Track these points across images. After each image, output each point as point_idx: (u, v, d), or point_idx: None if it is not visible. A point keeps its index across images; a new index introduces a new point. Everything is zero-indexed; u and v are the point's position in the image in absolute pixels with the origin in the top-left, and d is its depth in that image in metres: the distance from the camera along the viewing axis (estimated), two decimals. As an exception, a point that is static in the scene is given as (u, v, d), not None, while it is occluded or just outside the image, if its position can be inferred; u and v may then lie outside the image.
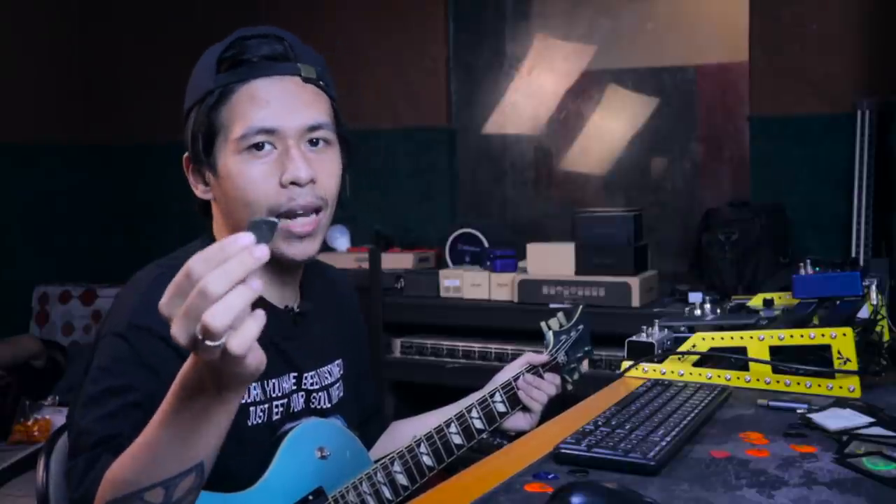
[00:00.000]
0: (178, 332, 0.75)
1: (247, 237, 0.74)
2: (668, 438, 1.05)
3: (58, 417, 3.41)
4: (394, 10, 4.02)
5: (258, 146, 1.13)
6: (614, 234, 2.96)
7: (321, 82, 1.19)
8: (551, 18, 3.93)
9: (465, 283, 3.24)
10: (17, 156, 4.40)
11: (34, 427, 3.43)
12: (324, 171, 1.17)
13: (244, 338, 0.75)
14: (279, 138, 1.14)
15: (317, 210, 1.16)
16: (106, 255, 4.79)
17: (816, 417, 1.17)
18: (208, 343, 0.74)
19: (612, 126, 3.84)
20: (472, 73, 4.03)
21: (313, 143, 1.17)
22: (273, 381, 1.21)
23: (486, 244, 3.41)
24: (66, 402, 3.52)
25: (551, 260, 3.06)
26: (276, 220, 0.81)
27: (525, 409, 1.47)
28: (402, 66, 4.00)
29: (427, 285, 3.30)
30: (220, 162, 1.16)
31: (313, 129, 1.16)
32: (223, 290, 0.73)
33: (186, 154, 1.21)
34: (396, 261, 3.48)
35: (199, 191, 1.21)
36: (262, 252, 0.74)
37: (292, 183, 1.13)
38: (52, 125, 4.64)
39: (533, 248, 3.12)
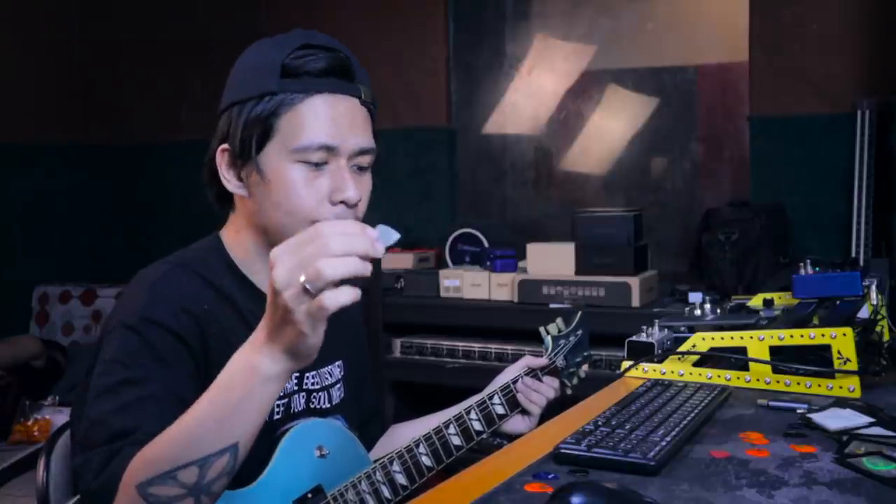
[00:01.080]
0: (281, 272, 0.85)
1: (375, 231, 0.86)
2: (668, 438, 1.05)
3: (58, 417, 3.42)
4: (394, 10, 4.02)
5: (313, 159, 1.15)
6: (614, 234, 2.96)
7: (374, 105, 1.24)
8: (551, 18, 3.93)
9: (465, 283, 3.24)
10: (17, 156, 4.40)
11: (34, 427, 3.43)
12: (364, 193, 1.22)
13: (339, 297, 0.84)
14: (333, 155, 1.16)
15: None
16: (106, 255, 4.79)
17: (816, 417, 1.17)
18: (308, 286, 0.83)
19: (612, 126, 3.84)
20: (472, 73, 4.03)
21: (360, 165, 1.20)
22: None
23: (486, 244, 3.41)
24: (67, 402, 3.52)
25: (551, 260, 3.06)
26: (397, 231, 0.90)
27: (524, 412, 1.47)
28: (402, 66, 4.00)
29: (427, 285, 3.30)
30: (269, 164, 1.16)
31: (363, 152, 1.20)
32: (341, 252, 0.83)
33: (224, 146, 1.19)
34: (396, 261, 3.48)
35: (232, 185, 1.21)
36: (381, 249, 0.85)
37: (342, 202, 1.16)
38: (52, 125, 4.64)
39: (533, 248, 3.12)
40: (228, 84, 1.21)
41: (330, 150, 1.16)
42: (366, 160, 1.21)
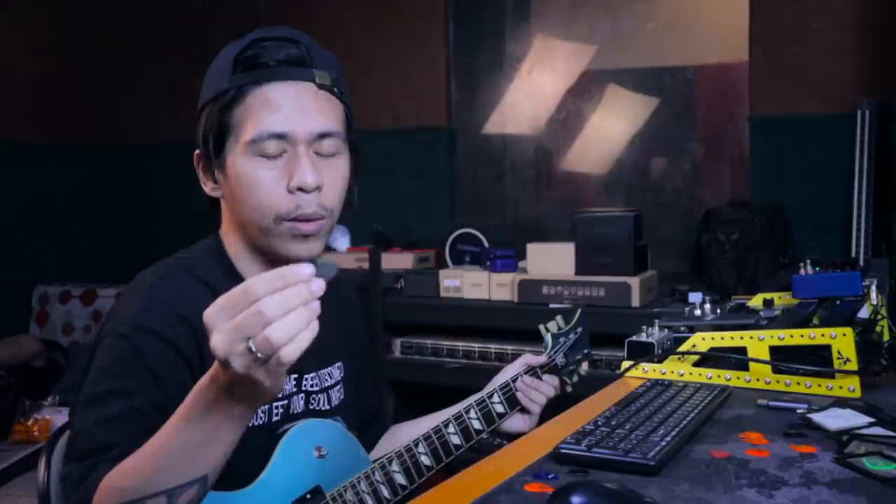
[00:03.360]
0: (220, 343, 0.80)
1: (308, 267, 0.79)
2: (668, 438, 1.05)
3: (58, 417, 3.41)
4: (394, 10, 4.02)
5: (268, 150, 1.13)
6: (614, 234, 2.96)
7: (335, 89, 1.19)
8: (551, 18, 3.93)
9: (465, 283, 3.23)
10: (17, 155, 4.40)
11: (34, 427, 3.43)
12: (330, 178, 1.17)
13: (299, 346, 0.80)
14: (289, 143, 1.14)
15: (320, 219, 1.17)
16: (106, 255, 4.79)
17: (816, 417, 1.17)
18: (260, 355, 0.78)
19: (612, 126, 3.84)
20: (472, 73, 4.03)
21: (323, 149, 1.17)
22: None
23: (486, 244, 3.41)
24: (66, 402, 3.52)
25: (551, 260, 3.06)
26: (335, 265, 0.86)
27: (523, 410, 1.47)
28: (402, 66, 4.00)
29: (427, 285, 3.30)
30: (229, 162, 1.16)
31: (323, 136, 1.16)
32: (280, 314, 0.78)
33: (197, 151, 1.21)
34: (396, 261, 3.48)
35: (209, 188, 1.22)
36: (319, 286, 0.80)
37: (299, 189, 1.14)
38: (52, 125, 4.64)
39: (533, 248, 3.12)
40: (201, 91, 1.22)
41: (282, 137, 1.14)
42: (329, 144, 1.17)
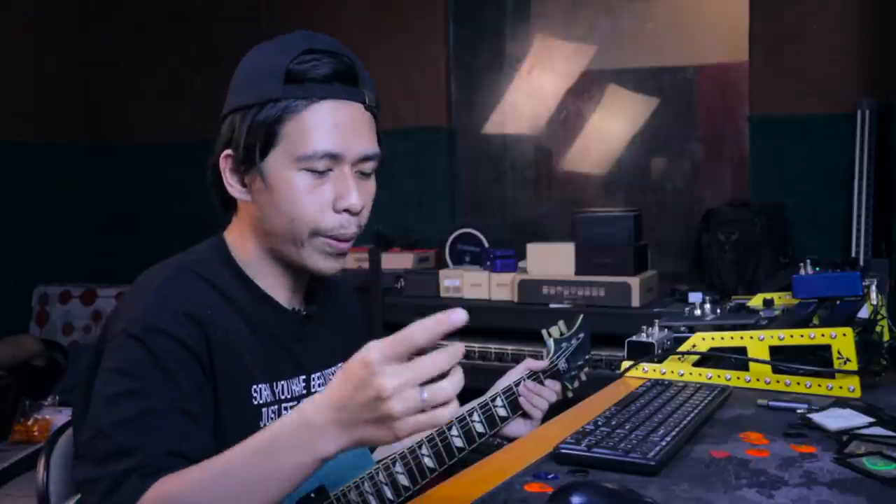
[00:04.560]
0: (393, 381, 0.85)
1: (463, 314, 0.90)
2: (668, 438, 1.05)
3: (58, 417, 3.41)
4: (394, 10, 4.02)
5: (317, 167, 1.14)
6: (614, 234, 2.96)
7: (377, 109, 1.22)
8: (551, 18, 3.93)
9: (465, 283, 3.24)
10: (17, 155, 4.41)
11: (34, 427, 3.43)
12: (367, 199, 1.21)
13: (452, 412, 0.86)
14: (337, 162, 1.16)
15: (353, 238, 1.21)
16: (106, 255, 4.80)
17: (816, 417, 1.17)
18: (426, 402, 0.85)
19: (612, 126, 3.84)
20: (472, 73, 4.03)
21: (364, 171, 1.19)
22: (282, 383, 1.21)
23: (486, 244, 3.41)
24: (66, 402, 3.52)
25: (551, 260, 3.06)
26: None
27: (525, 415, 1.47)
28: (402, 66, 4.00)
29: (427, 285, 3.30)
30: (273, 171, 1.15)
31: (367, 158, 1.19)
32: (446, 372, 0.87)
33: (228, 151, 1.19)
34: (396, 261, 3.48)
35: (236, 190, 1.20)
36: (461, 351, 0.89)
37: (345, 210, 1.16)
38: (52, 124, 4.64)
39: (533, 248, 3.12)
40: (231, 88, 1.20)
41: (334, 157, 1.15)
42: (370, 166, 1.20)
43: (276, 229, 1.17)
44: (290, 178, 1.15)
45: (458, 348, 0.88)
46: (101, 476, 1.01)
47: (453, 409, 0.86)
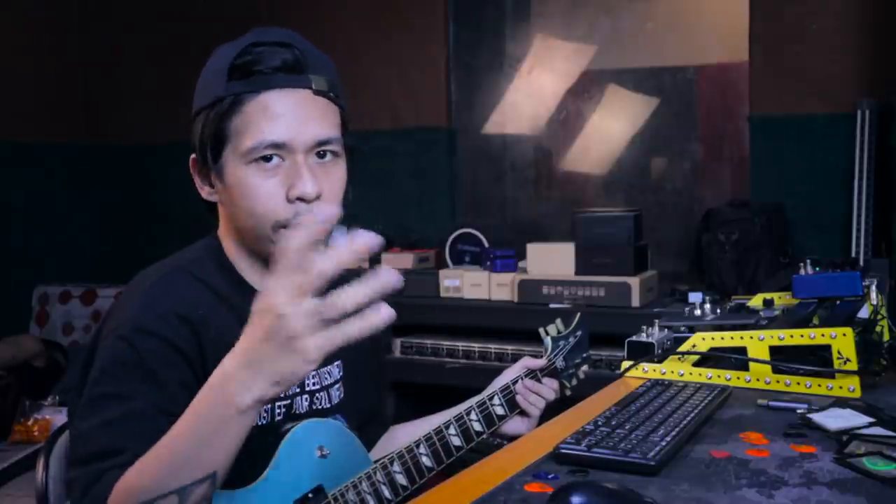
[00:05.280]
0: (283, 293, 0.80)
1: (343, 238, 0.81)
2: (668, 438, 1.05)
3: (58, 417, 3.41)
4: (394, 10, 4.02)
5: (267, 159, 1.13)
6: (614, 234, 2.96)
7: (331, 93, 1.19)
8: (551, 18, 3.93)
9: (465, 283, 3.24)
10: (17, 155, 4.40)
11: (34, 427, 3.43)
12: (329, 185, 1.17)
13: (362, 327, 0.80)
14: (288, 152, 1.14)
15: None
16: (106, 255, 4.79)
17: (816, 417, 1.17)
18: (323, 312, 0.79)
19: (612, 126, 3.84)
20: (472, 73, 4.03)
21: (321, 155, 1.17)
22: None
23: (486, 244, 3.41)
24: (66, 402, 3.52)
25: (551, 260, 3.06)
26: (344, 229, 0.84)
27: (523, 413, 1.47)
28: (402, 66, 4.00)
29: (427, 285, 3.30)
30: (227, 170, 1.16)
31: (322, 143, 1.16)
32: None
33: (193, 156, 1.21)
34: (396, 261, 3.48)
35: (205, 193, 1.22)
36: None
37: (299, 198, 1.14)
38: (52, 124, 4.64)
39: (533, 248, 3.12)
40: (195, 94, 1.21)
41: (281, 147, 1.13)
42: (328, 149, 1.17)
43: (245, 227, 1.18)
44: (243, 174, 1.14)
45: (384, 273, 0.81)
46: (80, 475, 1.03)
47: (384, 316, 0.79)
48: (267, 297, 0.82)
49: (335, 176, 1.19)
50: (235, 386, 0.87)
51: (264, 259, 1.21)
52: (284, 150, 1.14)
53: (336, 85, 1.20)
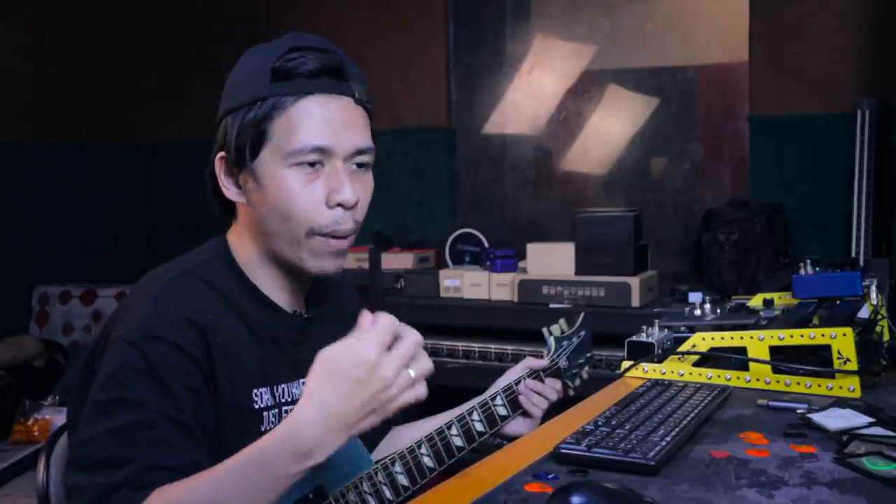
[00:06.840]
0: (391, 368, 0.95)
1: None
2: (668, 438, 1.05)
3: (58, 417, 3.41)
4: (394, 10, 4.02)
5: (310, 163, 1.14)
6: (614, 234, 2.96)
7: (369, 104, 1.21)
8: (551, 18, 3.93)
9: (465, 283, 3.24)
10: (17, 155, 4.40)
11: (34, 427, 3.42)
12: (363, 193, 1.20)
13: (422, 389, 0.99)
14: (329, 157, 1.15)
15: (351, 234, 1.20)
16: (106, 255, 4.79)
17: (816, 417, 1.17)
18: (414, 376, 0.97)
19: (612, 126, 3.84)
20: (472, 73, 4.03)
21: (358, 165, 1.19)
22: (283, 386, 1.21)
23: (486, 244, 3.41)
24: (66, 402, 3.52)
25: (551, 260, 3.06)
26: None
27: (525, 414, 1.47)
28: (402, 66, 4.00)
29: (427, 285, 3.30)
30: (264, 170, 1.15)
31: (361, 152, 1.18)
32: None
33: (221, 154, 1.19)
34: (396, 261, 3.48)
35: (231, 193, 1.20)
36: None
37: (339, 205, 1.15)
38: (52, 125, 4.64)
39: (533, 248, 3.12)
40: (224, 93, 1.20)
41: (324, 151, 1.14)
42: (364, 160, 1.20)
43: (273, 230, 1.17)
44: (282, 175, 1.14)
45: (409, 331, 0.97)
46: (89, 486, 1.01)
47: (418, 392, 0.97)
48: (377, 363, 0.94)
49: (367, 184, 1.22)
50: (316, 448, 0.94)
51: (283, 265, 1.21)
52: (326, 155, 1.15)
53: (369, 96, 1.22)
